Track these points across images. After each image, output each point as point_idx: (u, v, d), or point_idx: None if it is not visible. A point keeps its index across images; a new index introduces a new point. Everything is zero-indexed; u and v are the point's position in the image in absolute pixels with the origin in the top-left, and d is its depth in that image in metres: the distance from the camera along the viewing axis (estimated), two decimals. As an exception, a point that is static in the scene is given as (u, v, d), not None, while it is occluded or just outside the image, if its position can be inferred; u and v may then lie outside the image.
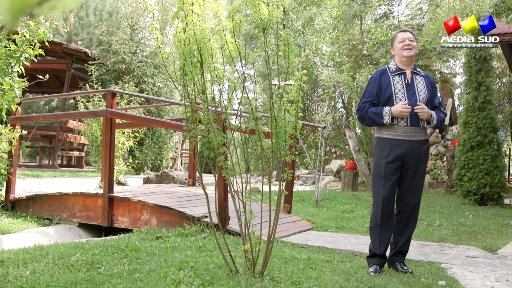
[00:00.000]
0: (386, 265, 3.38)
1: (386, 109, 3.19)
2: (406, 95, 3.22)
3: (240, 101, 2.76)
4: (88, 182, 8.07)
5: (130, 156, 12.04)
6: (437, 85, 11.47)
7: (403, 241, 3.28)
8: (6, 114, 5.06)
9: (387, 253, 3.38)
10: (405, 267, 3.24)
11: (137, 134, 8.87)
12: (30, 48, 4.89)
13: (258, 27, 2.60)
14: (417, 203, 3.28)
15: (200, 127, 2.87)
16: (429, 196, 8.35)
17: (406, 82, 3.26)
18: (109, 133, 5.23)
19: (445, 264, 3.54)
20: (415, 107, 3.17)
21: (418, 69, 3.35)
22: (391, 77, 3.29)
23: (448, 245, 4.36)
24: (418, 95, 3.23)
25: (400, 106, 3.14)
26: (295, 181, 8.88)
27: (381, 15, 13.15)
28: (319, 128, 7.32)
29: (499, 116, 13.70)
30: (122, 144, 7.74)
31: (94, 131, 8.04)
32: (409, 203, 3.25)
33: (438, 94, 3.42)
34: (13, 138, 5.30)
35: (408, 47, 3.26)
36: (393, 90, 3.24)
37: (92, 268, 2.88)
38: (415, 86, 3.26)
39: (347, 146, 11.15)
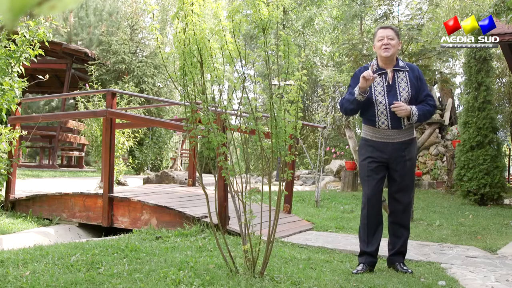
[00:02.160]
0: (386, 265, 3.39)
1: (356, 87, 3.09)
2: (386, 97, 3.12)
3: (240, 101, 2.76)
4: (88, 182, 8.07)
5: (130, 156, 12.02)
6: (436, 85, 11.43)
7: (400, 243, 3.27)
8: (6, 114, 5.06)
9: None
10: (404, 267, 3.23)
11: (137, 134, 8.86)
12: (30, 48, 4.89)
13: (258, 27, 2.60)
14: (408, 204, 3.25)
15: (200, 127, 2.87)
16: (429, 196, 8.34)
17: (387, 83, 3.16)
18: (109, 133, 5.23)
19: (445, 264, 3.54)
20: (391, 106, 3.07)
21: (401, 64, 3.21)
22: None
23: (448, 245, 4.36)
24: (400, 95, 3.13)
25: (361, 77, 3.01)
26: (295, 181, 8.88)
27: (381, 15, 13.11)
28: (319, 128, 7.32)
29: (499, 116, 13.70)
30: (122, 144, 7.73)
31: (94, 131, 8.03)
32: (399, 204, 3.24)
33: (426, 86, 3.28)
34: (13, 138, 5.30)
35: (386, 47, 3.12)
36: (373, 93, 3.15)
37: (92, 268, 2.88)
38: (397, 86, 3.15)
39: (347, 146, 11.15)
